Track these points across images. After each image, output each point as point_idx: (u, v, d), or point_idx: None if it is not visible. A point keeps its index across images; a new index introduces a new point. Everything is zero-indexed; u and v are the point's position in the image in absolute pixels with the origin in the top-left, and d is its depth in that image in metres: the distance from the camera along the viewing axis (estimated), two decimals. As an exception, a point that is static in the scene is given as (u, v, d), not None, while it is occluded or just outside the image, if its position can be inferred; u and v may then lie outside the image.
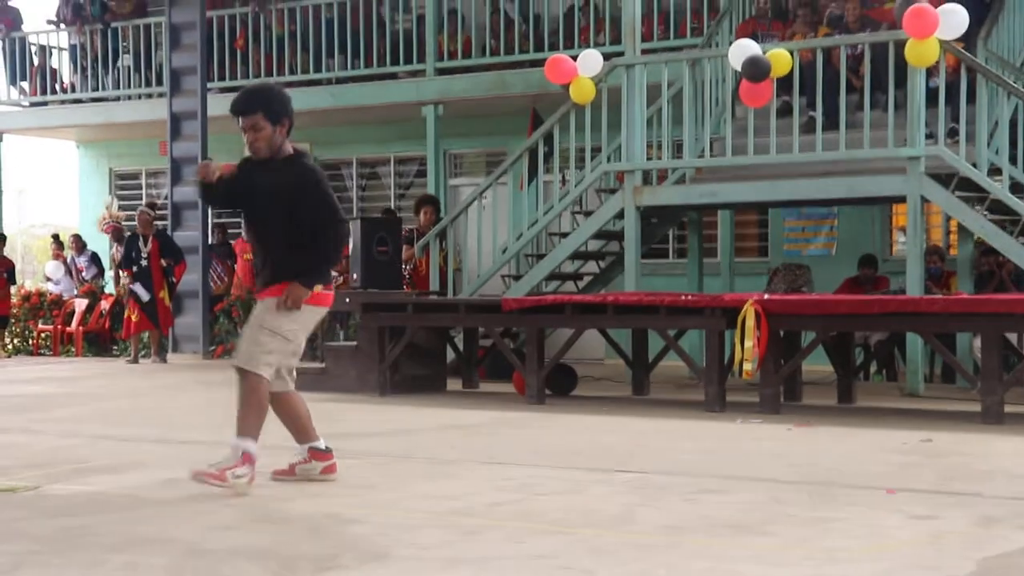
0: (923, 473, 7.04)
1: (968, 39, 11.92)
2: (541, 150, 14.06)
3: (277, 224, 6.51)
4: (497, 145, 18.06)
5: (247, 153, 6.65)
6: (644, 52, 13.62)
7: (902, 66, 11.80)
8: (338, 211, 6.58)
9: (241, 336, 6.59)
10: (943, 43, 11.39)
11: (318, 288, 6.49)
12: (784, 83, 12.45)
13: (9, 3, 21.54)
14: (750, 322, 9.94)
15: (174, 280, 17.35)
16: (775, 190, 12.99)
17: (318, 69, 18.43)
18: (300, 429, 6.61)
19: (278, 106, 6.52)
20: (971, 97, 11.82)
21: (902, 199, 12.36)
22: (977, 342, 10.44)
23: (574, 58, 13.40)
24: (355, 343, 12.59)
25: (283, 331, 6.41)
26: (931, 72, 11.89)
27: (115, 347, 18.69)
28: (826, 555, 4.86)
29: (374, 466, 7.39)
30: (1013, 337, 11.08)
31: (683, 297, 11.06)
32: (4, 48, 21.23)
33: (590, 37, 16.01)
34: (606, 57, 13.42)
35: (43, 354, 19.14)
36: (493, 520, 5.60)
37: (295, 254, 6.45)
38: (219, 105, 17.93)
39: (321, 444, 6.61)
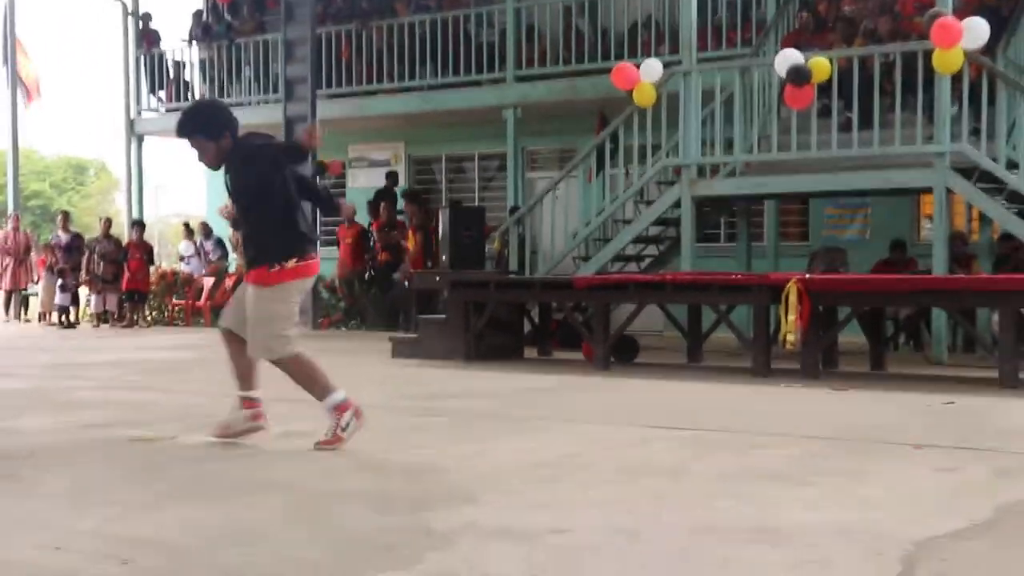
0: (946, 431, 6.95)
1: (989, 48, 11.72)
2: (608, 147, 14.03)
3: (242, 210, 6.35)
4: (569, 143, 18.02)
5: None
6: (699, 61, 13.51)
7: (929, 72, 11.63)
8: (275, 178, 6.13)
9: (251, 335, 6.18)
10: (966, 52, 11.21)
11: (292, 263, 6.12)
12: (824, 88, 12.32)
13: (150, 26, 21.79)
14: (793, 298, 9.87)
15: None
16: (815, 182, 12.88)
17: (412, 77, 18.47)
18: (245, 374, 6.35)
19: (214, 123, 6.24)
20: (991, 99, 11.65)
21: (929, 190, 12.20)
22: (995, 317, 10.26)
23: (637, 66, 13.35)
24: (444, 316, 12.63)
25: (277, 312, 6.13)
26: (956, 78, 11.71)
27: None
28: (861, 501, 4.82)
29: (461, 423, 7.42)
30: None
31: (733, 276, 10.99)
32: (145, 63, 21.51)
33: (651, 48, 15.90)
34: (665, 65, 13.35)
35: (176, 325, 19.41)
36: (566, 470, 5.60)
37: (262, 234, 6.20)
38: (327, 109, 18.10)
39: (255, 393, 6.35)
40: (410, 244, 16.92)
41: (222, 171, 6.31)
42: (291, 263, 6.13)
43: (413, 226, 16.99)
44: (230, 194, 6.37)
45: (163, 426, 7.04)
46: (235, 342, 6.30)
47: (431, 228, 16.36)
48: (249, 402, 6.36)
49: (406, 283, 16.11)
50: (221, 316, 6.55)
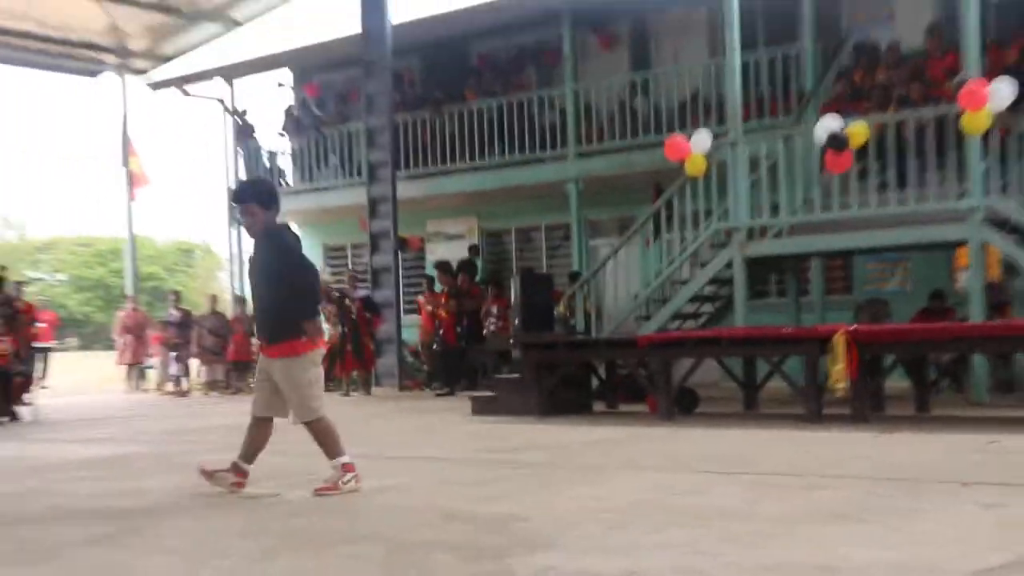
0: (991, 469, 6.81)
1: (1015, 106, 11.60)
2: (663, 214, 14.03)
3: (263, 288, 6.58)
4: (627, 211, 18.03)
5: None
6: (745, 132, 13.52)
7: (960, 133, 11.53)
8: (301, 267, 6.48)
9: (287, 397, 6.56)
10: (993, 113, 11.11)
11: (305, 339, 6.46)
12: (862, 152, 12.26)
13: (246, 120, 22.26)
14: (841, 349, 9.77)
15: (374, 330, 17.66)
16: (857, 240, 12.78)
17: (482, 157, 18.66)
18: (251, 451, 6.71)
19: (268, 196, 6.57)
20: (1020, 155, 11.52)
21: (964, 243, 12.04)
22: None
23: (688, 139, 13.38)
24: (518, 375, 12.63)
25: (310, 379, 6.50)
26: (985, 136, 11.60)
27: (331, 383, 19.02)
28: (914, 538, 4.73)
29: (538, 474, 7.40)
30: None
31: (784, 330, 10.90)
32: (244, 154, 21.97)
33: (700, 121, 15.93)
34: (714, 137, 13.37)
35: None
36: (636, 515, 5.57)
37: (284, 313, 6.42)
38: (406, 189, 18.32)
39: (247, 468, 6.71)
40: (443, 312, 17.03)
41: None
42: (308, 338, 6.49)
43: (446, 294, 17.12)
44: (252, 272, 6.69)
45: (268, 483, 7.10)
46: (261, 424, 6.67)
47: (472, 293, 16.64)
48: (241, 472, 6.69)
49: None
50: (253, 406, 6.76)
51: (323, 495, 6.36)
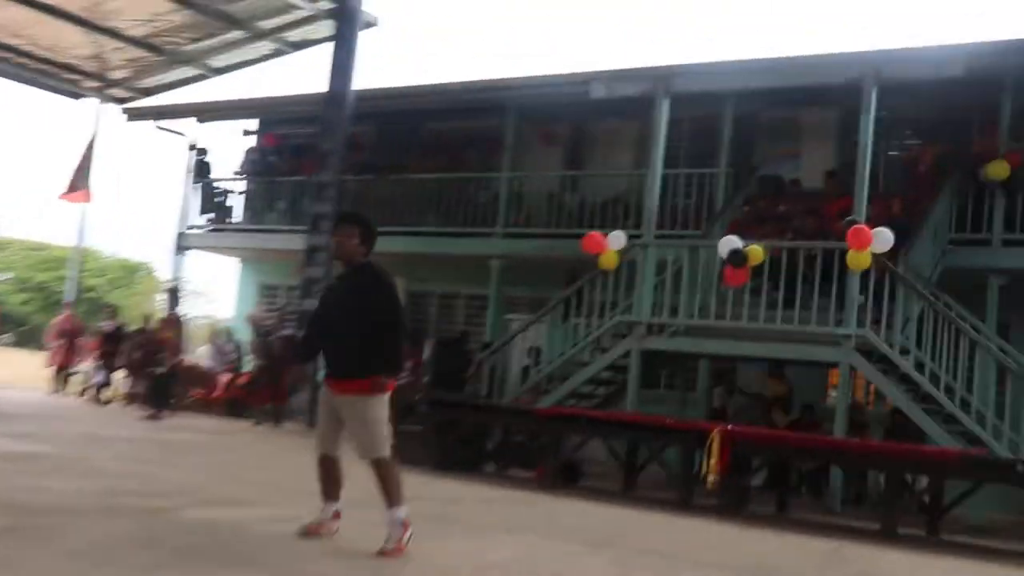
0: (832, 571, 6.87)
1: (894, 253, 11.94)
2: (574, 300, 14.11)
3: (354, 323, 5.93)
4: (542, 292, 18.08)
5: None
6: (657, 237, 13.71)
7: (844, 268, 11.81)
8: (401, 312, 6.06)
9: (353, 433, 5.97)
10: (875, 255, 11.42)
11: (383, 377, 5.95)
12: (757, 271, 12.49)
13: (205, 159, 22.01)
14: (716, 445, 9.86)
15: (293, 367, 17.40)
16: (744, 348, 12.94)
17: (419, 224, 18.65)
18: (333, 488, 6.12)
19: (370, 231, 6.13)
20: (892, 296, 11.83)
21: (836, 365, 12.28)
22: (883, 477, 10.26)
23: (606, 235, 13.53)
24: (420, 428, 12.51)
25: (382, 417, 5.97)
26: (865, 274, 11.89)
27: (245, 412, 18.68)
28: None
29: (425, 524, 7.27)
30: (909, 476, 10.90)
31: (668, 421, 10.97)
32: (199, 189, 21.70)
33: (619, 221, 16.09)
34: (629, 238, 13.53)
35: (193, 412, 19.15)
36: (511, 571, 5.50)
37: (370, 351, 5.90)
38: (344, 243, 18.16)
39: (338, 506, 6.13)
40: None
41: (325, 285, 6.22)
42: (386, 376, 5.98)
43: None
44: (340, 303, 6.04)
45: (168, 499, 6.91)
46: (331, 462, 6.09)
47: None
48: (337, 512, 6.12)
49: None
50: (319, 443, 6.13)
51: (390, 557, 5.64)
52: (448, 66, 60.54)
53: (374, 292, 5.99)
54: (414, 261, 19.02)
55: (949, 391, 11.59)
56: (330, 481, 6.10)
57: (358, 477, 6.12)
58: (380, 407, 5.96)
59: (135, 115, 22.91)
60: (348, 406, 5.96)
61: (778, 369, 14.11)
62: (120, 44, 21.59)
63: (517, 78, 17.82)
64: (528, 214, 17.68)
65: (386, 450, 5.96)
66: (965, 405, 11.52)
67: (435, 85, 19.23)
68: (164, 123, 22.27)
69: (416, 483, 10.15)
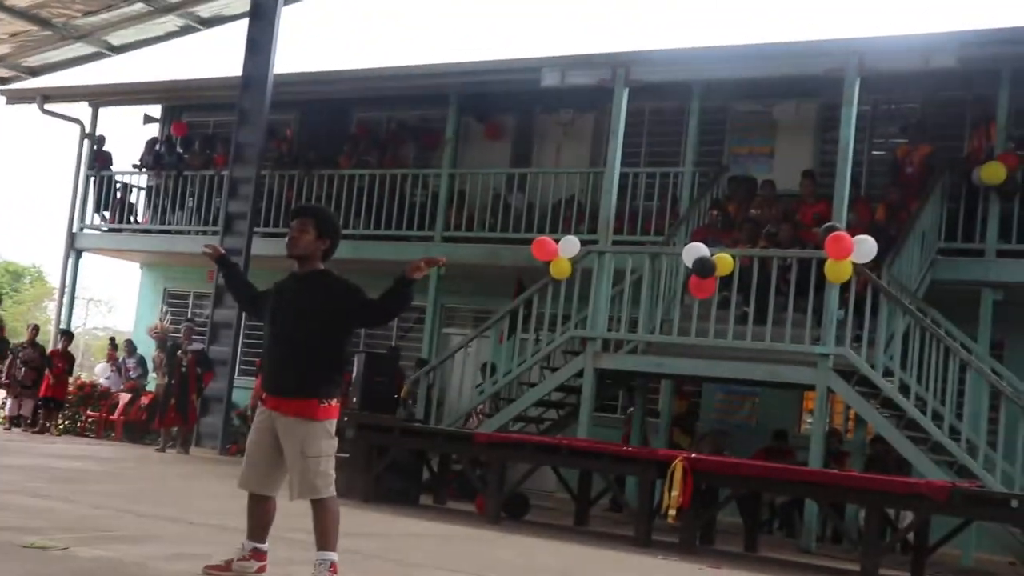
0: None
1: (876, 264, 12.10)
2: (521, 313, 14.14)
3: (305, 335, 5.75)
4: (485, 304, 18.11)
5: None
6: (614, 243, 13.78)
7: (821, 279, 11.95)
8: (374, 301, 5.88)
9: (292, 467, 5.70)
10: (856, 265, 11.58)
11: (336, 402, 5.77)
12: (726, 281, 12.60)
13: (104, 148, 21.74)
14: (678, 475, 9.91)
15: (203, 386, 17.27)
16: (710, 368, 13.03)
17: (346, 226, 18.52)
18: (260, 528, 5.92)
19: (329, 226, 6.02)
20: (874, 311, 11.97)
21: (812, 387, 12.41)
22: (862, 513, 10.39)
23: (557, 241, 13.56)
24: (348, 454, 12.44)
25: (324, 451, 5.69)
26: (844, 287, 12.05)
27: (148, 437, 18.48)
28: None
29: (347, 562, 7.25)
30: (892, 512, 11.05)
31: (625, 448, 11.03)
32: (95, 183, 21.39)
33: (572, 225, 16.17)
34: (583, 243, 13.59)
35: (87, 436, 18.91)
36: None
37: (327, 365, 5.77)
38: (262, 246, 18.05)
39: (264, 547, 5.93)
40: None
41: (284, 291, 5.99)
42: (335, 401, 5.79)
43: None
44: (294, 310, 5.84)
45: (58, 535, 6.80)
46: (260, 501, 5.89)
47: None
48: (260, 554, 5.92)
49: None
50: (243, 480, 5.90)
51: None
52: (391, 52, 60.00)
53: (342, 291, 5.88)
54: (341, 267, 18.69)
55: (937, 417, 11.76)
56: (259, 524, 5.92)
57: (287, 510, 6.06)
58: (328, 437, 5.74)
59: (16, 97, 22.57)
60: (290, 431, 5.71)
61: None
62: (0, 15, 21.23)
63: (460, 63, 17.88)
64: (471, 216, 17.68)
65: (325, 490, 5.69)
66: (954, 433, 11.70)
67: (368, 70, 19.22)
68: (52, 107, 21.97)
69: (341, 516, 10.11)
